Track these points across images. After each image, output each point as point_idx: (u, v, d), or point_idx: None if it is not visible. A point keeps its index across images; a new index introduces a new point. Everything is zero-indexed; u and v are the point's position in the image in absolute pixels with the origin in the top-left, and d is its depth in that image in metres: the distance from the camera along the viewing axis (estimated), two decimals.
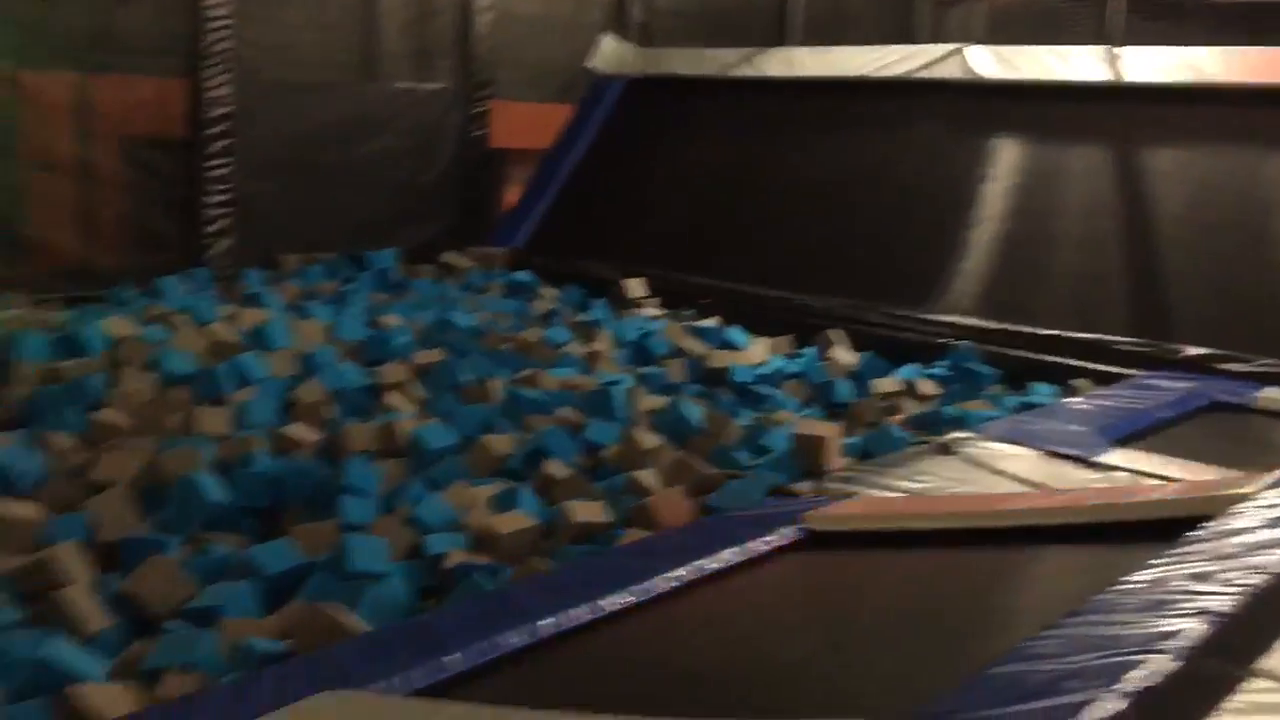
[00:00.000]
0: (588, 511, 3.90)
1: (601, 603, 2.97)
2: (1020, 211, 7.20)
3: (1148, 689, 1.73)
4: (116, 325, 5.44)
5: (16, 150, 6.76)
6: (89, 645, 2.98)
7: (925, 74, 7.91)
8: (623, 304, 7.59)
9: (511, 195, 9.43)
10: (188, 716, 2.34)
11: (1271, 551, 2.29)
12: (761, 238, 7.86)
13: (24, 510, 3.64)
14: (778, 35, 10.79)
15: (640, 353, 6.47)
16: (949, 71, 7.82)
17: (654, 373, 6.01)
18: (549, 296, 7.75)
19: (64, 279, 6.74)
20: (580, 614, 2.92)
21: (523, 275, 8.10)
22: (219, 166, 7.34)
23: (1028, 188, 7.28)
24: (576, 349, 6.41)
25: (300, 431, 4.67)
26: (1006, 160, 7.46)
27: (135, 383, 4.95)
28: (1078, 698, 1.70)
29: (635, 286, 7.70)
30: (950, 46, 8.07)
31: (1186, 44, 7.44)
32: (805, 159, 8.12)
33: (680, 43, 10.01)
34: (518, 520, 3.87)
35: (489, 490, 4.27)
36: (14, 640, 2.85)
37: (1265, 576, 2.15)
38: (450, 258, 8.37)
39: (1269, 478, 2.98)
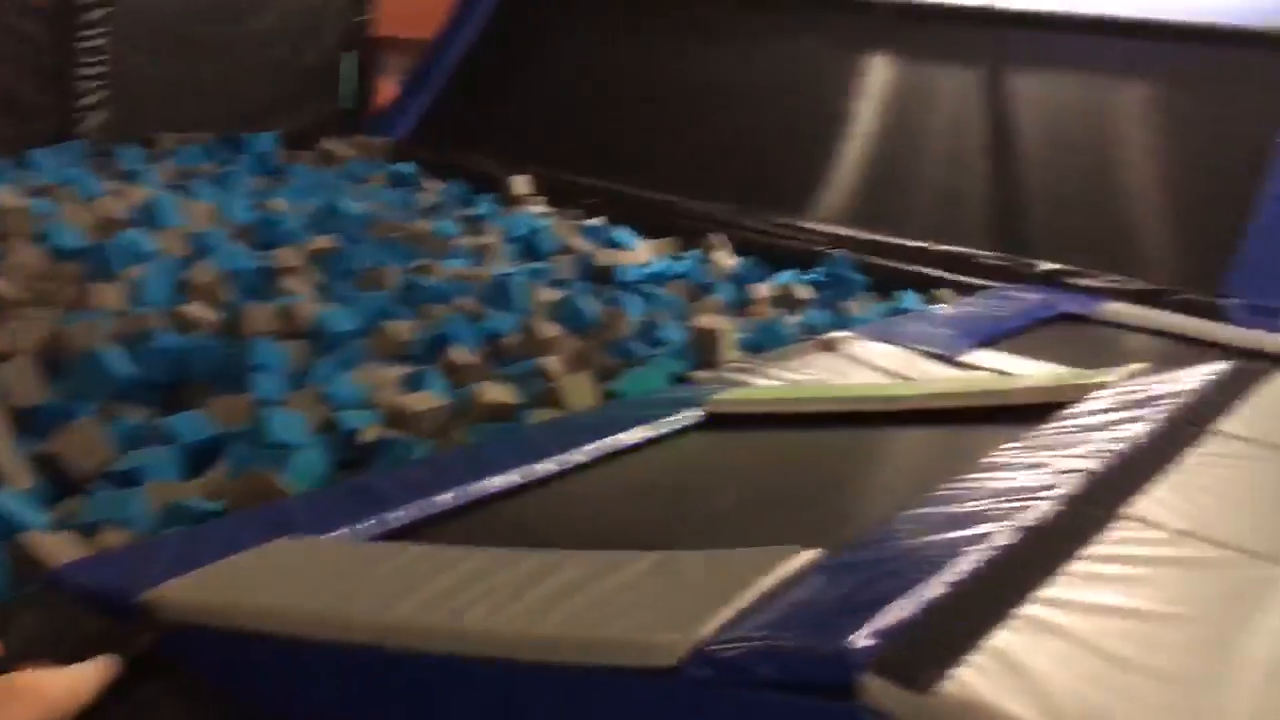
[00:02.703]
0: (497, 393, 4.07)
1: (528, 469, 3.18)
2: (893, 128, 7.56)
3: (1035, 525, 2.05)
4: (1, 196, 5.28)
5: None
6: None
7: None
8: (509, 200, 7.67)
9: (394, 85, 9.30)
10: (148, 559, 2.45)
11: (1132, 425, 2.65)
12: (649, 140, 8.02)
13: None
14: None
15: (529, 248, 6.61)
16: None
17: (543, 268, 6.17)
18: (433, 190, 7.77)
19: None
20: (509, 480, 3.13)
21: (404, 167, 8.08)
22: (94, 36, 7.05)
23: (900, 105, 7.63)
24: (466, 242, 6.50)
25: (199, 310, 4.68)
26: (882, 77, 7.79)
27: (24, 255, 4.85)
28: (979, 530, 2.00)
29: (521, 183, 7.78)
30: None
31: None
32: (694, 63, 8.28)
33: None
34: (429, 399, 4.02)
35: (396, 372, 4.40)
36: None
37: (1128, 444, 2.50)
38: (330, 145, 8.27)
39: (1127, 371, 3.36)
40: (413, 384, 4.25)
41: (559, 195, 7.73)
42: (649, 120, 8.15)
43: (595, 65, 8.63)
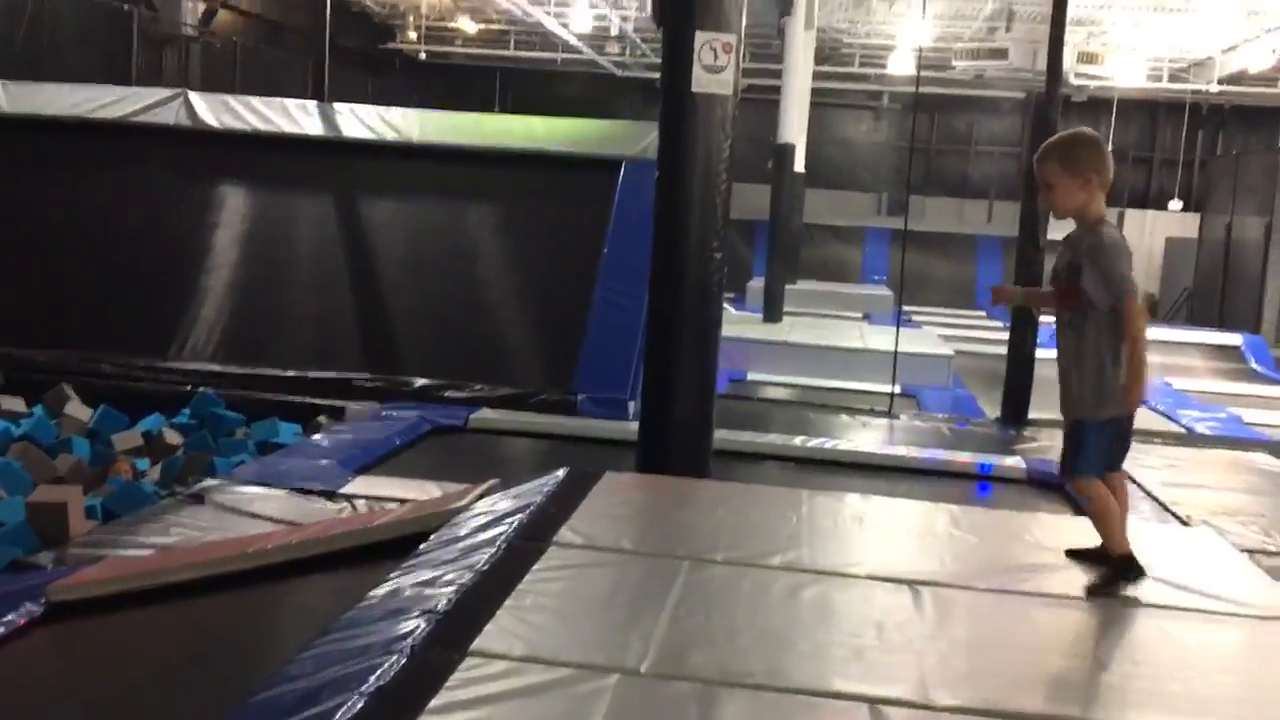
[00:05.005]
0: None
1: None
2: (255, 258, 7.40)
3: (380, 687, 2.03)
4: None
5: None
6: None
7: (147, 118, 7.74)
8: None
9: None
10: None
11: (481, 551, 2.75)
12: None
13: None
14: None
15: None
16: (173, 117, 7.75)
17: None
18: None
19: None
20: None
21: None
22: None
23: (260, 235, 7.50)
24: None
25: None
26: (237, 207, 7.61)
27: None
28: (325, 708, 1.93)
29: None
30: (172, 91, 8.02)
31: (394, 99, 8.21)
32: (19, 202, 7.49)
33: None
34: None
35: None
36: None
37: (474, 574, 2.58)
38: None
39: (479, 490, 3.51)
40: None
41: None
42: None
43: None
